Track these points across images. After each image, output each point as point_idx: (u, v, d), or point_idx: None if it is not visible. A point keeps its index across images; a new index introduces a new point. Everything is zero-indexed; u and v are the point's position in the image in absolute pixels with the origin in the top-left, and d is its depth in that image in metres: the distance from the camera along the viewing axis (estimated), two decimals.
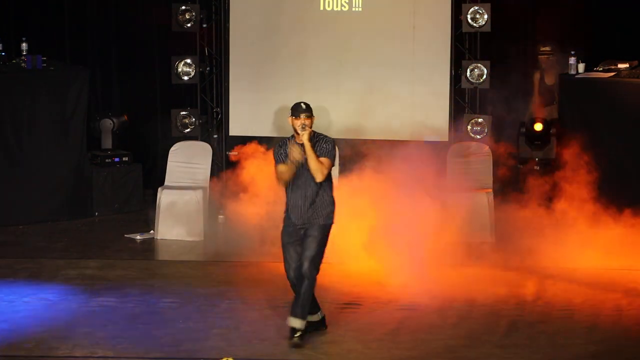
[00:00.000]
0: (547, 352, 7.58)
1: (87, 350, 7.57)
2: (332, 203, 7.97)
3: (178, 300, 8.83)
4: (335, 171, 11.28)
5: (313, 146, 7.81)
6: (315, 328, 8.02)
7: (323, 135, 8.00)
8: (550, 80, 12.47)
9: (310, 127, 7.84)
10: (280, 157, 7.95)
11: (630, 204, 10.26)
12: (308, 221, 7.89)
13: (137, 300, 8.84)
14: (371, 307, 8.65)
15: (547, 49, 12.45)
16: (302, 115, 7.84)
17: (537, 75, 12.62)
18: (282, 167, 7.91)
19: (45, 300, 8.81)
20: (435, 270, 9.29)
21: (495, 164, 11.41)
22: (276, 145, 8.06)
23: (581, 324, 8.19)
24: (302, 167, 7.88)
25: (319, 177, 7.83)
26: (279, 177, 7.98)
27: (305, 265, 7.77)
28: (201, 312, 8.49)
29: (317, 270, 7.82)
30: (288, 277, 7.94)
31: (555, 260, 9.82)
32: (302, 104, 7.90)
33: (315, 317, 8.04)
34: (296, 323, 7.77)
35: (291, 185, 7.95)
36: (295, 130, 7.88)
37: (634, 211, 10.19)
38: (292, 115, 7.89)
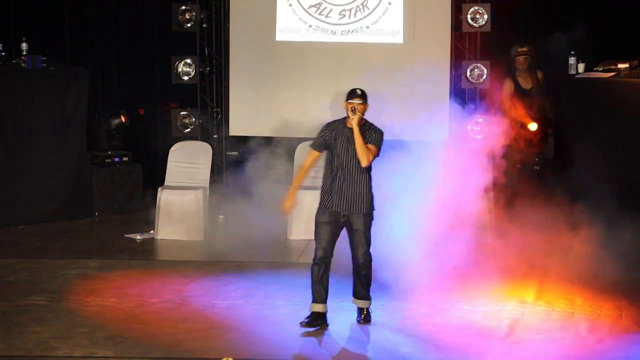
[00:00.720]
0: (546, 352, 7.58)
1: (87, 350, 7.57)
2: (371, 190, 8.18)
3: (178, 300, 8.83)
4: None
5: (364, 134, 8.04)
6: (320, 322, 8.10)
7: (375, 125, 8.19)
8: (526, 84, 12.00)
9: (362, 114, 8.06)
10: (319, 141, 8.24)
11: (630, 203, 10.26)
12: (350, 208, 8.10)
13: (137, 300, 8.83)
14: (371, 307, 8.64)
15: (525, 49, 11.93)
16: (355, 100, 8.07)
17: (508, 84, 11.95)
18: (307, 159, 8.30)
19: (47, 300, 8.81)
20: (435, 270, 9.28)
21: (495, 164, 11.40)
22: (327, 123, 8.32)
23: (581, 324, 8.19)
24: (348, 152, 8.08)
25: (364, 162, 8.03)
26: (306, 159, 8.37)
27: (362, 259, 8.16)
28: (201, 312, 8.49)
29: (371, 254, 8.21)
30: (315, 257, 8.17)
31: (555, 260, 9.81)
32: (357, 90, 8.15)
33: (320, 308, 8.16)
34: (365, 304, 8.27)
35: (336, 169, 8.13)
36: (348, 115, 8.11)
37: (634, 211, 10.19)
38: (346, 99, 8.11)
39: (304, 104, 12.18)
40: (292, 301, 8.70)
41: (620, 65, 11.40)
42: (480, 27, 11.92)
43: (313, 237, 10.90)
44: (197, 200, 11.19)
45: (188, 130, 12.43)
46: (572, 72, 11.64)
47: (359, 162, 8.07)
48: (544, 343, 7.76)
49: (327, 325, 8.13)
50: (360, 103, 8.07)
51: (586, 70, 11.63)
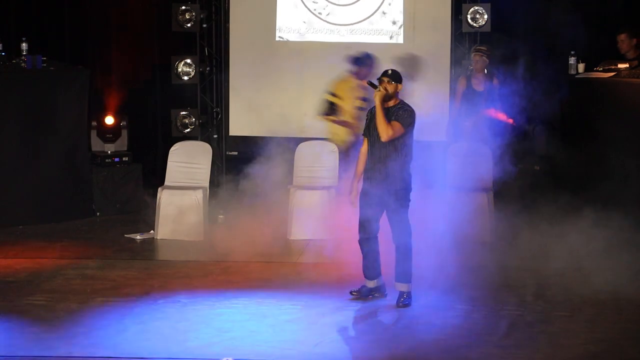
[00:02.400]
0: (547, 352, 7.58)
1: (87, 350, 7.57)
2: (405, 170, 8.43)
3: (178, 300, 8.84)
4: (335, 172, 11.31)
5: (393, 112, 8.33)
6: (371, 293, 8.66)
7: (407, 105, 8.47)
8: (479, 86, 11.73)
9: (390, 92, 8.36)
10: (365, 127, 8.62)
11: (630, 204, 10.26)
12: (382, 185, 8.39)
13: (137, 300, 8.84)
14: (371, 306, 8.65)
15: (482, 48, 11.63)
16: (385, 79, 8.39)
17: (462, 81, 11.70)
18: (362, 148, 8.61)
19: (46, 301, 8.81)
20: (435, 270, 9.29)
21: (495, 163, 11.41)
22: (369, 109, 8.65)
23: (581, 324, 8.19)
24: (376, 130, 8.40)
25: (383, 137, 8.32)
26: (362, 148, 8.66)
27: (396, 242, 8.49)
28: (201, 312, 8.49)
29: (409, 236, 8.50)
30: (359, 232, 8.54)
31: (555, 260, 9.82)
32: (389, 70, 8.49)
33: (372, 284, 8.64)
34: (403, 287, 8.56)
35: (370, 148, 8.49)
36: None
37: (633, 211, 10.19)
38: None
39: (304, 104, 12.19)
40: (292, 301, 8.70)
41: (620, 65, 11.39)
42: (480, 27, 11.92)
43: (313, 237, 10.98)
44: (197, 200, 11.20)
45: (188, 130, 12.44)
46: (572, 72, 11.64)
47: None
48: (543, 343, 7.76)
49: (385, 296, 8.68)
50: (389, 82, 8.38)
51: (586, 70, 11.63)
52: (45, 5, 13.37)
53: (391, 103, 8.44)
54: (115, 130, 12.75)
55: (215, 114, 12.75)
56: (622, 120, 10.81)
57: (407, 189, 8.47)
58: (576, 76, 11.57)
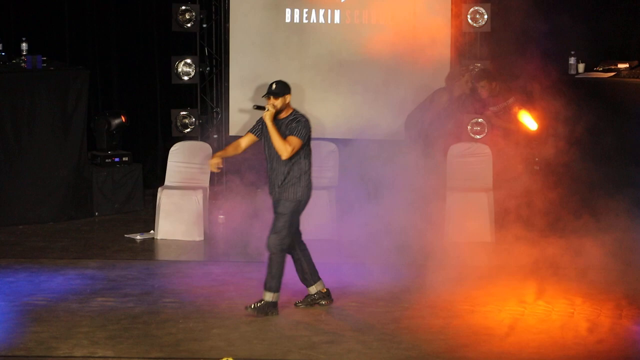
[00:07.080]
0: (546, 352, 7.59)
1: (87, 350, 7.57)
2: (303, 180, 8.27)
3: (178, 300, 8.84)
4: (336, 171, 11.30)
5: (287, 124, 8.16)
6: (317, 299, 8.52)
7: (299, 115, 8.27)
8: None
9: (279, 108, 8.18)
10: (255, 127, 8.44)
11: (629, 204, 10.26)
12: (279, 196, 8.29)
13: (137, 300, 8.84)
14: (371, 307, 8.65)
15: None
16: (271, 97, 8.19)
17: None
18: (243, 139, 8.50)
19: (45, 300, 8.81)
20: (435, 271, 9.29)
21: (495, 163, 11.40)
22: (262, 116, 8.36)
23: (581, 324, 8.19)
24: (271, 146, 8.22)
25: (283, 155, 8.16)
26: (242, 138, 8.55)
27: (270, 239, 8.25)
28: (201, 312, 8.49)
29: (282, 245, 8.23)
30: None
31: (555, 259, 9.82)
32: (273, 84, 8.26)
33: (313, 289, 8.51)
34: (267, 296, 8.30)
35: (267, 160, 8.33)
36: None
37: (633, 211, 10.19)
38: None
39: (304, 104, 12.17)
40: (292, 301, 8.69)
41: (620, 65, 11.40)
42: (480, 27, 11.92)
43: (316, 237, 10.97)
44: (197, 200, 11.19)
45: (188, 130, 12.43)
46: (572, 72, 11.64)
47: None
48: (544, 343, 7.76)
49: (332, 301, 8.54)
50: (275, 97, 8.18)
51: (586, 70, 11.63)
52: (45, 5, 13.36)
53: (283, 115, 8.26)
54: (114, 130, 12.73)
55: (215, 114, 12.75)
56: (622, 120, 10.82)
57: (299, 197, 8.30)
58: (576, 76, 11.57)
